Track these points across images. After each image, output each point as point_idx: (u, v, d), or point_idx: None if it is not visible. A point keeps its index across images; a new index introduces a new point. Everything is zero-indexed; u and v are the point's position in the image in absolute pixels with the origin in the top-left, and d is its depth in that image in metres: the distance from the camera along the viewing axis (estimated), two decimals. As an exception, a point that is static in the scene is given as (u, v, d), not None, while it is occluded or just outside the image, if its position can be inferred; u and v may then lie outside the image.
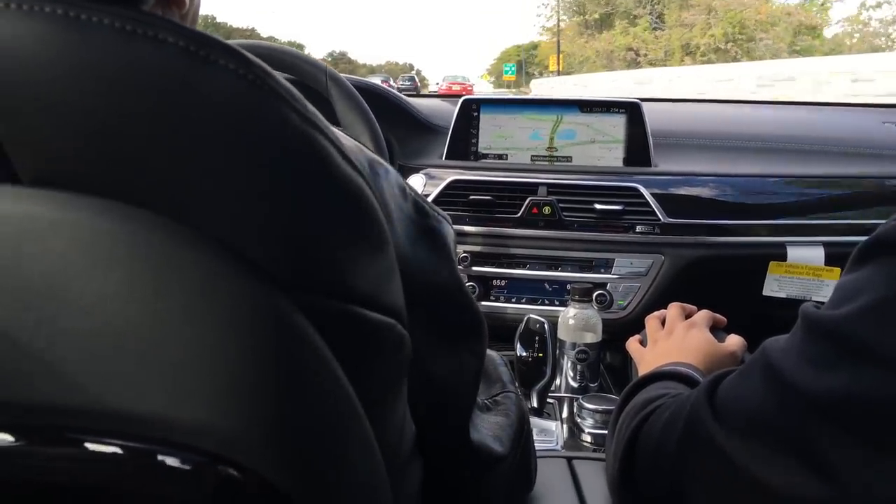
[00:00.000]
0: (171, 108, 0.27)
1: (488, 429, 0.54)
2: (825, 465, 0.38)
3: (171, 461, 0.27)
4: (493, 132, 1.24)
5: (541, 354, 0.88)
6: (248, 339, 0.27)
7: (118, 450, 0.27)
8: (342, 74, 0.94)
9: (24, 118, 0.26)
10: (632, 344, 0.90)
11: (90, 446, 0.27)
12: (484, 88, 53.31)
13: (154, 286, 0.26)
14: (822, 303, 0.43)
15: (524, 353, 0.89)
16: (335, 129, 0.39)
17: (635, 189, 1.12)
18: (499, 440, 0.54)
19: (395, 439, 0.38)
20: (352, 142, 0.40)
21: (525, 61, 53.15)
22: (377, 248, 0.34)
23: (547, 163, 1.22)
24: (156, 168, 0.27)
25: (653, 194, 1.11)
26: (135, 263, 0.26)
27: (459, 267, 1.15)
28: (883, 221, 0.41)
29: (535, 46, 55.32)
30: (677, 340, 0.80)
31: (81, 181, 0.27)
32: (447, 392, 0.46)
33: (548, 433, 0.85)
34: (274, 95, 0.29)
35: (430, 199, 1.18)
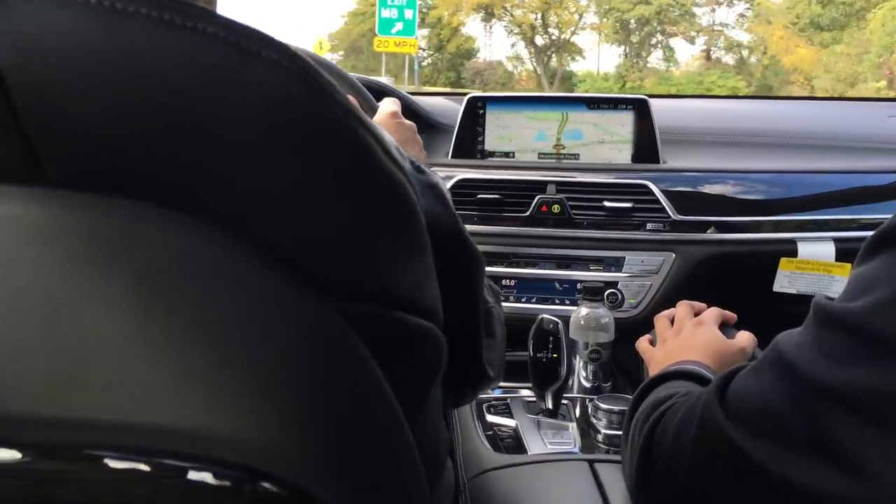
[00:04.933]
0: (213, 101, 0.26)
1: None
2: (846, 459, 0.38)
3: (206, 477, 0.25)
4: (498, 132, 1.23)
5: (555, 355, 0.87)
6: (289, 349, 0.26)
7: (146, 467, 0.25)
8: None
9: (57, 111, 0.25)
10: (642, 343, 0.89)
11: (112, 464, 0.25)
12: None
13: (187, 291, 0.25)
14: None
15: (538, 354, 0.88)
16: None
17: (645, 186, 1.11)
18: None
19: (431, 446, 0.38)
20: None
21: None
22: (417, 250, 0.33)
23: (555, 160, 1.21)
24: (197, 166, 0.26)
25: (662, 191, 1.10)
26: (168, 268, 0.25)
27: None
28: (892, 216, 0.41)
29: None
30: (686, 338, 0.79)
31: (116, 179, 0.25)
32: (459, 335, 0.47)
33: (564, 434, 0.84)
34: (317, 87, 0.28)
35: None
